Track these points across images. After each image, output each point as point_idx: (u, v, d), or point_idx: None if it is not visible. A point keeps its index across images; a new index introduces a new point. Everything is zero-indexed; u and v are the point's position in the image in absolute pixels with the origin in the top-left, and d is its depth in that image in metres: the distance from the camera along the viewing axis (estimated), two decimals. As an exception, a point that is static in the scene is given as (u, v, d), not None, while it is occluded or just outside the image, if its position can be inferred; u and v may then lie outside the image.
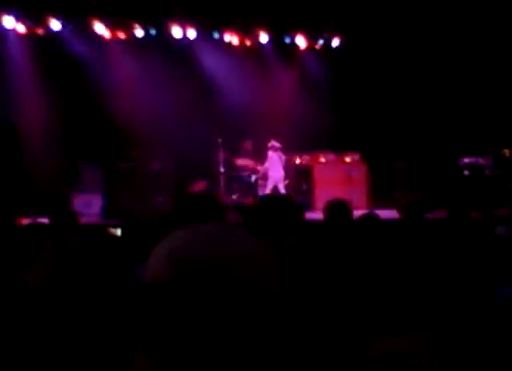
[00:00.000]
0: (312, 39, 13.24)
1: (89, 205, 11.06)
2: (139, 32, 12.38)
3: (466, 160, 11.97)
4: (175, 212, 2.89)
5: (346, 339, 2.18)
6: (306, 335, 2.01)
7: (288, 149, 12.11)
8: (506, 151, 11.99)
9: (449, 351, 1.67)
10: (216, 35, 12.67)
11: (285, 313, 1.00)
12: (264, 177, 11.79)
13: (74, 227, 4.09)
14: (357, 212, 5.18)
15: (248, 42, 12.99)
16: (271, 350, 0.96)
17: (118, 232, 9.73)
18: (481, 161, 11.95)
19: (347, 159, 12.46)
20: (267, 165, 11.68)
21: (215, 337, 0.92)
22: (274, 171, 11.53)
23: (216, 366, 0.92)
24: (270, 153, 11.58)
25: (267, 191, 11.40)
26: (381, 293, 2.65)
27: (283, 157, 11.65)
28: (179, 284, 0.93)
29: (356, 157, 12.39)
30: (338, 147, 12.43)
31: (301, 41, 13.14)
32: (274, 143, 11.54)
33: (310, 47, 13.38)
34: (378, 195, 12.10)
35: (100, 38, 12.28)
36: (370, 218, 4.74)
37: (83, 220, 9.11)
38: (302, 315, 2.06)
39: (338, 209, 4.86)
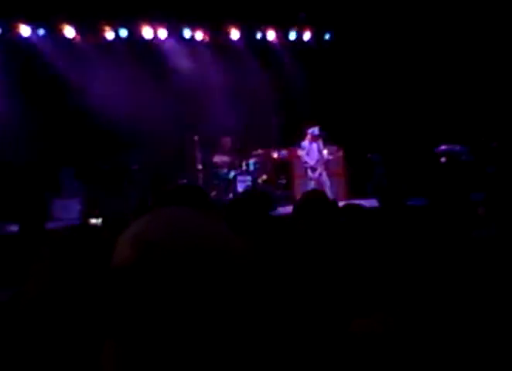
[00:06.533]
0: (283, 33, 13.27)
1: (67, 211, 10.98)
2: (110, 34, 12.34)
3: (443, 147, 12.06)
4: (159, 203, 2.83)
5: (322, 320, 2.19)
6: (279, 315, 2.01)
7: (266, 144, 12.10)
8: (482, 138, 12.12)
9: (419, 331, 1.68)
10: (187, 34, 12.63)
11: (253, 293, 1.00)
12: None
13: (42, 233, 4.04)
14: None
15: (219, 40, 12.98)
16: (237, 333, 0.97)
17: (99, 221, 9.72)
18: (457, 147, 12.04)
19: (325, 152, 12.49)
20: (302, 152, 11.47)
21: (179, 315, 0.93)
22: (309, 159, 11.36)
23: (183, 346, 0.93)
24: (306, 141, 11.37)
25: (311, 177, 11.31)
26: (357, 276, 2.67)
27: (321, 144, 11.46)
28: (143, 266, 0.93)
29: (334, 149, 12.41)
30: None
31: (272, 36, 13.16)
32: (313, 130, 11.33)
33: (283, 42, 13.39)
34: (356, 185, 12.17)
35: (71, 41, 12.18)
36: (351, 208, 4.72)
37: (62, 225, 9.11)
38: (276, 297, 2.06)
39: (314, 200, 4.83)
